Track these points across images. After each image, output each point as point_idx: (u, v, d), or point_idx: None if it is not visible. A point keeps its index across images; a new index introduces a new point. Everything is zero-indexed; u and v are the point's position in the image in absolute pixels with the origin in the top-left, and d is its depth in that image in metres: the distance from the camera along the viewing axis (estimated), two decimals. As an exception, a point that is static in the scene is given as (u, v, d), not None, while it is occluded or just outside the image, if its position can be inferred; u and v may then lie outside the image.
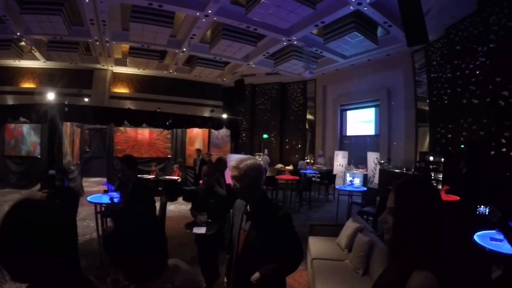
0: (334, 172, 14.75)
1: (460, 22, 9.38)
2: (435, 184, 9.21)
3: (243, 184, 2.24)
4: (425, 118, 11.99)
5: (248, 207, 2.34)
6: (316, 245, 5.07)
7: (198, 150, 12.27)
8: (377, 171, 12.57)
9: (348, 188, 9.07)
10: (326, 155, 16.58)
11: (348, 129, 17.03)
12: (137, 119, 10.53)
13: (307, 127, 18.77)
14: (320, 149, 17.39)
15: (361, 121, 16.16)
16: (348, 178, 13.56)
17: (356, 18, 10.79)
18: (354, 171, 13.90)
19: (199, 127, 12.02)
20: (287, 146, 19.10)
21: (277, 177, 11.63)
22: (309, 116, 18.80)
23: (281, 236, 2.19)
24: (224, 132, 13.78)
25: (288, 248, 2.21)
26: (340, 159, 15.11)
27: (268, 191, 10.57)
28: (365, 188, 9.42)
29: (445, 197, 7.08)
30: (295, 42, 12.75)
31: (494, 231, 4.04)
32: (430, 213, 1.24)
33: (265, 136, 19.38)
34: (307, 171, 13.82)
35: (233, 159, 9.95)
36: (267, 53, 14.21)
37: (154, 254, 1.30)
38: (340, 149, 16.24)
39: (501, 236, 3.77)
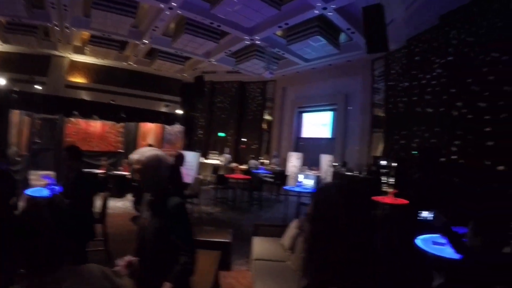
0: (288, 173, 14.82)
1: (422, 34, 9.74)
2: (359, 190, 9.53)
3: (144, 176, 2.28)
4: (380, 124, 12.38)
5: (150, 197, 2.42)
6: (259, 246, 4.95)
7: (149, 146, 11.76)
8: (330, 173, 12.75)
9: (296, 189, 9.02)
10: (281, 156, 16.63)
11: (304, 131, 17.22)
12: (88, 110, 9.89)
13: (265, 127, 18.74)
14: (275, 149, 17.43)
15: (317, 124, 16.40)
16: (300, 179, 13.73)
17: (320, 23, 10.90)
18: (307, 173, 14.02)
19: (151, 121, 11.54)
20: (243, 146, 18.94)
21: (227, 175, 11.37)
22: (267, 117, 18.79)
23: (171, 225, 2.21)
24: (178, 128, 13.36)
25: (178, 238, 2.19)
26: (294, 160, 15.18)
27: (218, 190, 10.36)
28: (314, 189, 9.36)
29: (393, 200, 7.28)
30: (258, 42, 12.71)
31: (438, 235, 4.00)
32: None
33: (221, 134, 19.11)
34: (259, 171, 13.71)
35: (186, 156, 9.71)
36: (229, 51, 14.12)
37: (51, 249, 1.27)
38: (295, 150, 16.34)
39: (444, 240, 3.65)
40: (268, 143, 18.53)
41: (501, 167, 6.19)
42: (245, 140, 18.85)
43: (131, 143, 13.58)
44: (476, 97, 7.30)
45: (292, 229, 4.81)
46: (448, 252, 3.51)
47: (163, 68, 16.88)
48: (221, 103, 19.78)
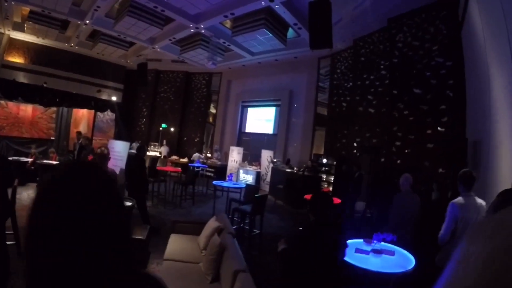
0: (229, 168, 14.43)
1: (369, 36, 9.84)
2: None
3: None
4: (323, 122, 12.41)
5: None
6: (174, 244, 4.44)
7: (78, 133, 10.82)
8: (270, 169, 12.56)
9: (225, 184, 8.37)
10: (223, 151, 16.16)
11: (248, 126, 16.89)
12: (12, 91, 8.62)
13: (210, 120, 18.07)
14: (218, 143, 16.92)
15: (261, 119, 16.16)
16: (233, 174, 13.44)
17: (268, 16, 10.61)
18: (248, 168, 13.73)
19: (80, 107, 10.45)
20: (185, 138, 18.15)
21: (158, 168, 10.59)
22: (212, 110, 18.15)
23: None
24: (110, 116, 12.36)
25: None
26: (235, 155, 14.77)
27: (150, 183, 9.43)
28: (243, 185, 8.71)
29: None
30: (203, 31, 12.20)
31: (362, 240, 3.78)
32: None
33: (163, 125, 18.15)
34: (195, 165, 13.07)
35: (115, 146, 8.85)
36: (174, 38, 13.42)
37: None
38: (238, 145, 15.91)
39: (368, 248, 3.49)
40: (212, 136, 17.92)
41: (440, 170, 6.30)
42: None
43: (64, 130, 12.35)
44: (418, 100, 7.44)
45: (209, 227, 4.33)
46: (372, 263, 3.24)
47: (106, 52, 15.75)
48: (165, 93, 18.70)
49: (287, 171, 11.07)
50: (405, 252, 3.62)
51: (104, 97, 16.15)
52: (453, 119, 6.53)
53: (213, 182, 8.56)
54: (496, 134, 3.82)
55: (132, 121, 18.50)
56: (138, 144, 9.33)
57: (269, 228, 7.32)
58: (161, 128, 17.80)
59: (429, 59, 7.43)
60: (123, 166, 8.32)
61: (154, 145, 16.47)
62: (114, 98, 14.51)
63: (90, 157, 7.75)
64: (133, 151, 9.09)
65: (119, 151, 8.69)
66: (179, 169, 11.07)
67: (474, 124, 5.12)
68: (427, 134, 7.11)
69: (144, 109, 18.65)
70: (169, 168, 10.89)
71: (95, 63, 17.07)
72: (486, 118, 4.20)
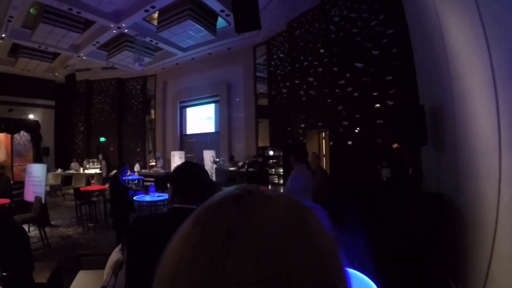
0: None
1: (303, 15, 9.24)
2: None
3: None
4: (265, 113, 11.71)
5: None
6: (76, 286, 3.28)
7: None
8: (214, 170, 11.61)
9: (147, 199, 6.95)
10: (166, 157, 14.96)
11: (189, 127, 15.80)
12: None
13: (150, 127, 16.80)
14: (159, 150, 15.65)
15: (201, 118, 15.14)
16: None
17: (192, 5, 9.81)
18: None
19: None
20: (126, 149, 16.66)
21: (82, 189, 8.55)
22: (153, 115, 16.94)
23: None
24: (27, 137, 10.81)
25: None
26: (177, 160, 13.64)
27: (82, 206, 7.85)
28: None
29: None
30: (126, 31, 11.26)
31: None
32: None
33: (102, 139, 16.55)
34: (129, 178, 11.66)
35: (33, 170, 7.40)
36: (97, 42, 12.25)
37: None
38: (181, 149, 14.85)
39: None
40: (154, 143, 16.62)
41: (395, 145, 5.74)
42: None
43: None
44: (360, 73, 6.90)
45: (110, 261, 3.07)
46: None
47: (30, 67, 14.21)
48: (99, 104, 17.14)
49: (230, 170, 10.18)
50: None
51: (33, 116, 14.42)
52: (401, 90, 6.04)
53: (134, 197, 6.80)
54: (460, 91, 3.21)
55: (69, 138, 17.07)
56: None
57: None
58: (100, 142, 16.49)
59: (368, 30, 6.92)
60: (42, 192, 6.96)
61: (93, 162, 14.84)
62: (31, 116, 12.79)
63: None
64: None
65: (37, 176, 7.27)
66: (105, 186, 9.42)
67: (427, 90, 4.56)
68: (376, 109, 6.58)
69: (80, 124, 17.12)
70: (94, 187, 9.49)
71: (21, 81, 15.23)
72: (444, 77, 3.62)
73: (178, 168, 1.67)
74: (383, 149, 6.13)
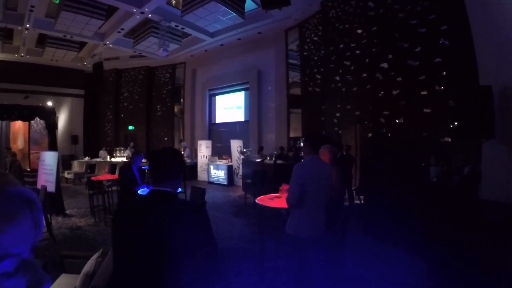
0: (199, 165, 12.91)
1: (337, -7, 8.31)
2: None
3: None
4: (298, 103, 10.92)
5: None
6: None
7: (7, 150, 9.23)
8: (241, 161, 10.98)
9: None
10: (193, 146, 14.55)
11: (218, 116, 15.29)
12: None
13: (180, 115, 16.52)
14: (188, 139, 15.28)
15: (231, 107, 14.55)
16: (213, 171, 11.87)
17: None
18: (218, 163, 12.14)
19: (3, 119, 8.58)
20: (154, 137, 16.51)
21: (93, 178, 8.26)
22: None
23: None
24: (43, 124, 10.72)
25: None
26: (203, 150, 13.17)
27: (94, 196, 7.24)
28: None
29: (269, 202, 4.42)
30: (150, 16, 10.86)
31: None
32: None
33: (130, 127, 16.56)
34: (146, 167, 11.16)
35: (45, 158, 7.09)
36: (122, 29, 12.00)
37: None
38: (210, 138, 14.37)
39: None
40: (182, 132, 16.33)
41: (446, 139, 4.83)
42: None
43: (3, 147, 10.58)
44: (405, 55, 5.95)
45: (84, 270, 2.55)
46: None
47: (57, 56, 14.17)
48: (128, 93, 17.11)
49: (257, 162, 9.48)
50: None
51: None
52: (455, 72, 5.06)
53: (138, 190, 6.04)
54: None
55: (98, 126, 17.23)
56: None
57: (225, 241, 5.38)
58: (129, 130, 16.50)
59: (412, 5, 5.95)
60: (53, 181, 6.65)
61: (120, 150, 14.69)
62: (49, 103, 12.76)
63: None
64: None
65: (49, 164, 6.96)
66: (115, 176, 8.97)
67: (494, 70, 3.62)
68: (422, 97, 5.64)
69: (109, 113, 17.18)
70: (106, 176, 9.05)
71: (51, 71, 15.51)
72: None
73: (154, 153, 1.73)
74: (431, 143, 5.23)
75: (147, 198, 1.65)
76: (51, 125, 8.01)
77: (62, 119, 16.07)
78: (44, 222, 5.72)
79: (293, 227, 2.87)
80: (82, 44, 13.64)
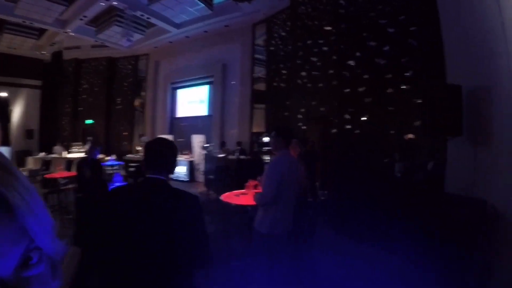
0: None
1: (308, -12, 8.30)
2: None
3: None
4: (262, 98, 10.86)
5: None
6: None
7: None
8: (204, 156, 10.78)
9: None
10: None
11: (180, 110, 14.91)
12: None
13: (140, 109, 15.96)
14: (149, 134, 14.71)
15: (194, 101, 14.20)
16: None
17: None
18: (179, 158, 11.81)
19: None
20: (113, 132, 15.80)
21: (46, 176, 7.70)
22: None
23: None
24: None
25: None
26: (164, 145, 12.74)
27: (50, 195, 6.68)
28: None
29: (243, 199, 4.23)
30: (115, 3, 10.45)
31: None
32: None
33: (88, 121, 15.77)
34: (108, 163, 10.77)
35: None
36: (84, 17, 11.55)
37: None
38: (171, 133, 13.94)
39: None
40: (143, 127, 15.76)
41: (410, 135, 4.92)
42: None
43: None
44: (373, 53, 6.02)
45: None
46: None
47: (15, 44, 13.77)
48: (88, 84, 16.23)
49: (219, 157, 9.34)
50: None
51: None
52: (421, 71, 5.16)
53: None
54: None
55: (55, 120, 16.09)
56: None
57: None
58: (87, 124, 15.75)
59: (383, 4, 6.02)
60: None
61: (77, 146, 13.76)
62: (3, 94, 11.91)
63: None
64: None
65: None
66: (73, 172, 8.21)
67: (463, 70, 3.68)
68: (389, 94, 5.72)
69: (67, 105, 16.18)
70: (61, 173, 8.31)
71: (6, 60, 14.35)
72: (498, 48, 2.77)
73: (148, 143, 1.78)
74: (396, 140, 5.32)
75: (141, 184, 1.70)
76: (4, 118, 7.31)
77: (16, 112, 14.96)
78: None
79: (267, 225, 2.76)
80: (41, 32, 13.23)
